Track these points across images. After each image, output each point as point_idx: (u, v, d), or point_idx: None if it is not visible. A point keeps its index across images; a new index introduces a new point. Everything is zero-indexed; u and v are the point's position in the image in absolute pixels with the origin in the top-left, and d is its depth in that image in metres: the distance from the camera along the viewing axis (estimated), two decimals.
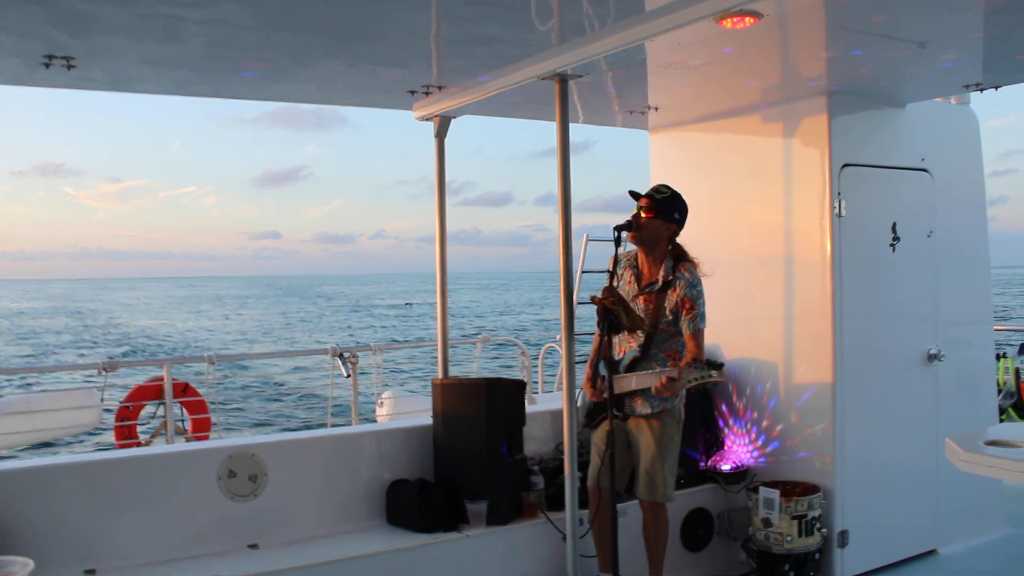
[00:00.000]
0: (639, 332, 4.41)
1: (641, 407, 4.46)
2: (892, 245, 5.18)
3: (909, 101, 5.25)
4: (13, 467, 4.27)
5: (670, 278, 4.39)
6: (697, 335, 4.36)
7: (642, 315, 4.40)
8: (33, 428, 6.94)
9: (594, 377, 4.43)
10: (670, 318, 4.38)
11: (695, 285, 4.38)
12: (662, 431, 4.46)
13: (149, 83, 4.47)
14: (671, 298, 4.37)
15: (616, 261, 4.55)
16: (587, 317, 4.71)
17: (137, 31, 3.56)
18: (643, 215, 4.39)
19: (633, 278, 4.52)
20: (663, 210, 4.40)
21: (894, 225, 5.18)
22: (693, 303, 4.35)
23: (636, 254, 4.56)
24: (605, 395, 4.25)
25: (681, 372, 4.08)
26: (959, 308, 5.54)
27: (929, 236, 5.36)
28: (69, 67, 3.94)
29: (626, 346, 4.49)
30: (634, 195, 4.43)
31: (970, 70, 4.43)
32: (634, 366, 4.42)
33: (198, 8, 3.30)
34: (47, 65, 3.90)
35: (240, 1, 3.24)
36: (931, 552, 5.35)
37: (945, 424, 5.27)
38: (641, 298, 4.45)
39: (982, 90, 4.77)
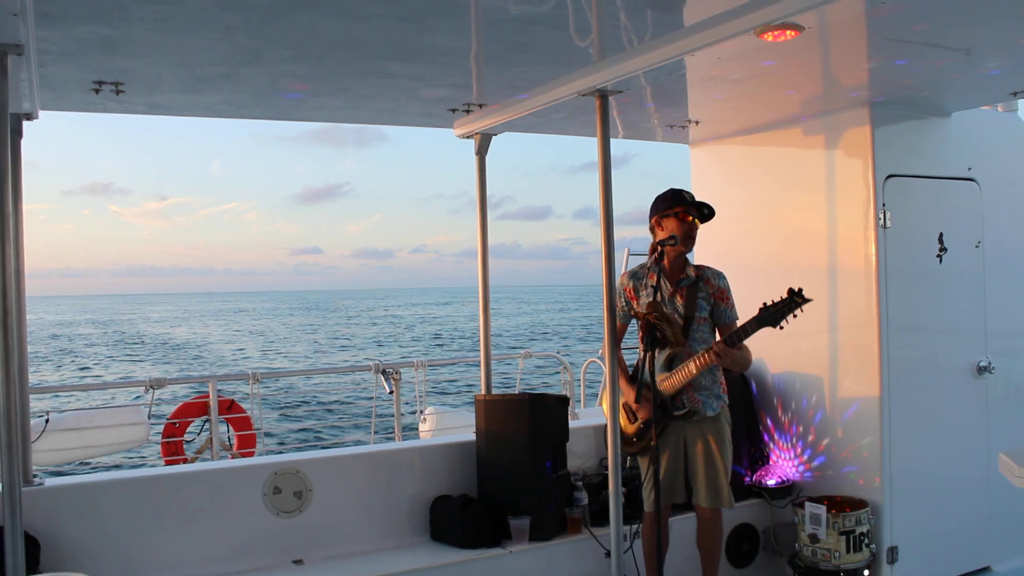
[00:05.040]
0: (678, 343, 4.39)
1: (703, 408, 4.43)
2: (939, 256, 5.10)
3: (954, 110, 5.17)
4: (63, 483, 4.35)
5: (700, 272, 4.50)
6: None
7: (680, 311, 4.43)
8: (83, 445, 7.06)
9: (639, 393, 4.36)
10: (708, 308, 4.46)
11: (724, 277, 4.54)
12: (722, 434, 4.49)
13: (195, 107, 4.56)
14: (705, 289, 4.47)
15: (635, 275, 4.56)
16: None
17: (184, 56, 3.63)
18: (697, 222, 4.45)
19: (662, 279, 4.47)
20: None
21: (941, 236, 5.10)
22: (728, 292, 4.51)
23: (651, 262, 4.52)
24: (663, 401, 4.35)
25: (740, 330, 4.17)
26: (1009, 319, 5.43)
27: (977, 246, 5.28)
28: (118, 92, 4.03)
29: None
30: (710, 211, 4.43)
31: (1017, 77, 4.35)
32: (672, 363, 4.40)
33: (242, 33, 3.36)
34: (97, 91, 4.00)
35: (283, 23, 3.30)
36: (984, 569, 5.24)
37: (997, 438, 5.17)
38: (678, 294, 4.47)
39: None
